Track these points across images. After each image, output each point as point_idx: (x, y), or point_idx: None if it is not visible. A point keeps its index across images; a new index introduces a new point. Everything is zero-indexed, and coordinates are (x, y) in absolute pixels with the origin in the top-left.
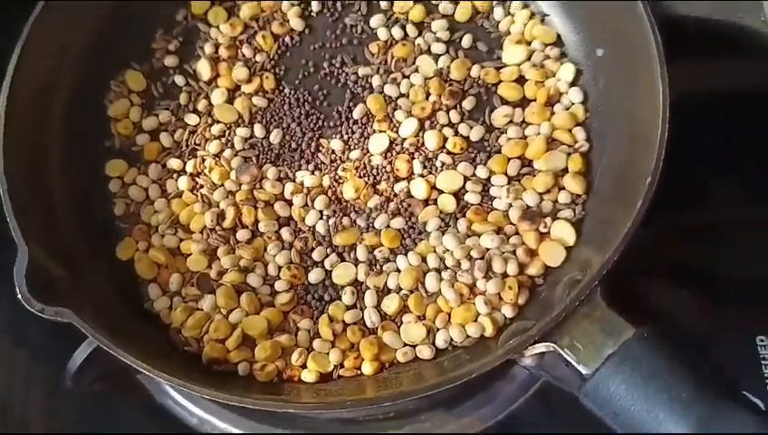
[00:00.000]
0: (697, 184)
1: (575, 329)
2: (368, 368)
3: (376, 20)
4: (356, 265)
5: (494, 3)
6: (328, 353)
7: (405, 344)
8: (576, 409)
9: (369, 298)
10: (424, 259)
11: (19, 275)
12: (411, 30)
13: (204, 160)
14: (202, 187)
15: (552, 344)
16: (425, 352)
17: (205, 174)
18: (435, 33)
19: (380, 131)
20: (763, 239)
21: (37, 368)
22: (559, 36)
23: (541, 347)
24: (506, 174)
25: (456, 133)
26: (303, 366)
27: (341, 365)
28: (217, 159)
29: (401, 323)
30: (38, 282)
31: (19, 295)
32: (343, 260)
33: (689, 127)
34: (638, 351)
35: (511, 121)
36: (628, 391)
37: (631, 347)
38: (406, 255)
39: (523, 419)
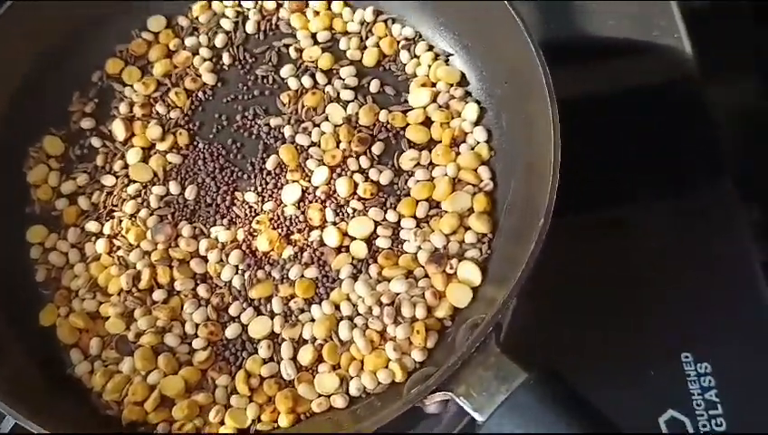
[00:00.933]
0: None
1: (471, 377)
2: (284, 421)
3: (286, 70)
4: (272, 318)
5: (400, 46)
6: (245, 409)
7: (319, 395)
8: None
9: (285, 350)
10: (338, 307)
11: None
12: (321, 78)
13: (121, 222)
14: (119, 248)
15: (449, 393)
16: (338, 402)
17: (122, 235)
18: (343, 80)
19: (293, 181)
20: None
21: None
22: (463, 76)
23: (439, 396)
24: (415, 217)
25: (367, 179)
26: (222, 423)
27: (259, 419)
28: (134, 219)
29: (317, 372)
30: None
31: None
32: (260, 313)
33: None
34: (526, 398)
35: (418, 164)
36: None
37: (520, 394)
38: (320, 304)
39: None
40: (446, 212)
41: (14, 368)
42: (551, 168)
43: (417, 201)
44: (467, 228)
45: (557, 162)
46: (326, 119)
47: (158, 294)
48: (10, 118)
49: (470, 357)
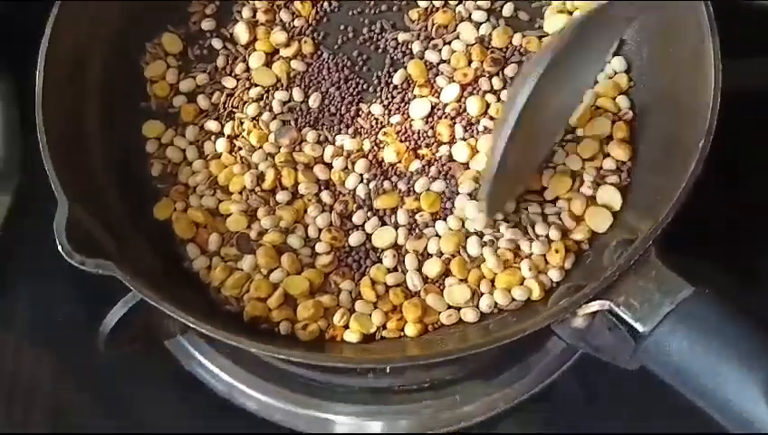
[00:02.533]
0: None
1: (631, 288)
2: (411, 330)
3: None
4: (396, 229)
5: None
6: (370, 315)
7: (449, 307)
8: (611, 384)
9: (410, 262)
10: (464, 223)
11: (59, 228)
12: None
13: (242, 123)
14: (240, 149)
15: (608, 302)
16: (469, 316)
17: (243, 136)
18: (475, 1)
19: (421, 97)
20: None
21: (65, 340)
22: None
23: (595, 305)
24: None
25: (499, 99)
26: (346, 327)
27: (384, 327)
28: (255, 121)
29: (443, 286)
30: (78, 235)
31: (60, 248)
32: (384, 224)
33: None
34: (699, 308)
35: None
36: (690, 348)
37: (691, 305)
38: (446, 219)
39: (557, 393)
40: (583, 137)
41: (136, 256)
42: (709, 110)
43: None
44: (606, 155)
45: (716, 104)
46: (457, 37)
47: (282, 196)
48: (128, 15)
49: (629, 269)
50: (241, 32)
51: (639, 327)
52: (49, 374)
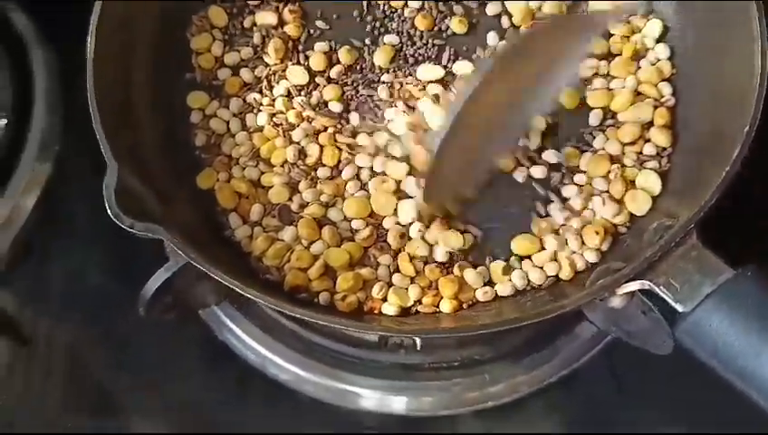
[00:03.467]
0: None
1: (671, 269)
2: (446, 306)
3: None
4: None
5: None
6: (407, 289)
7: (485, 283)
8: (640, 371)
9: None
10: None
11: (109, 190)
12: None
13: (274, 101)
14: (280, 125)
15: (648, 282)
16: (505, 289)
17: (281, 113)
18: None
19: None
20: None
21: (100, 309)
22: None
23: (635, 285)
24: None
25: None
26: (384, 299)
27: (420, 302)
28: (289, 100)
29: None
30: (126, 199)
31: (109, 211)
32: None
33: None
34: (739, 290)
35: (596, 74)
36: (730, 328)
37: (731, 286)
38: None
39: (584, 378)
40: (624, 123)
41: (181, 222)
42: (753, 97)
43: (592, 108)
44: (646, 140)
45: (762, 90)
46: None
47: (323, 172)
48: None
49: (669, 250)
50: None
51: (679, 307)
52: (82, 342)
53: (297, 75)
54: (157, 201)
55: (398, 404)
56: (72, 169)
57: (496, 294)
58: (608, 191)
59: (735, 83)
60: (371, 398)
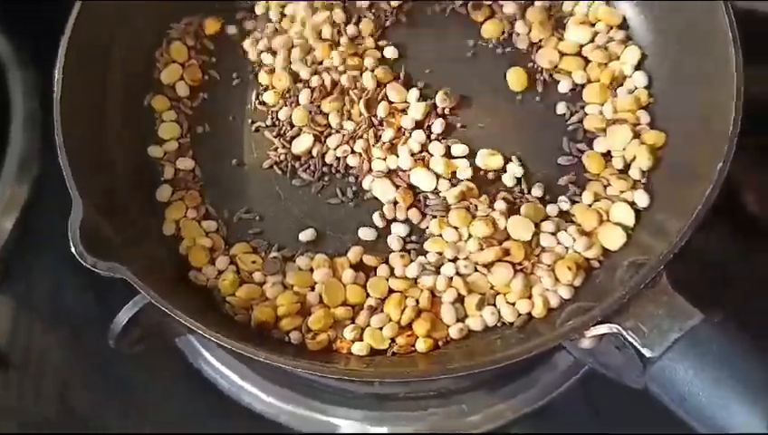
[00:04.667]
0: None
1: (640, 312)
2: (422, 345)
3: None
4: None
5: None
6: (381, 329)
7: (457, 320)
8: (617, 400)
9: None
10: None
11: (73, 229)
12: None
13: None
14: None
15: (616, 326)
16: (476, 324)
17: None
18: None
19: None
20: None
21: (78, 328)
22: (624, 18)
23: (603, 328)
24: None
25: None
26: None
27: (393, 342)
28: None
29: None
30: (91, 237)
31: (72, 249)
32: None
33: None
34: (708, 336)
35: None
36: (697, 376)
37: (700, 333)
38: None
39: (561, 407)
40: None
41: (150, 255)
42: (728, 130)
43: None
44: (621, 170)
45: (737, 126)
46: None
47: None
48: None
49: (639, 292)
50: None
51: (647, 352)
52: (61, 360)
53: None
54: (122, 239)
55: (376, 433)
56: (51, 189)
57: (469, 329)
58: (579, 224)
59: (712, 115)
60: (350, 428)
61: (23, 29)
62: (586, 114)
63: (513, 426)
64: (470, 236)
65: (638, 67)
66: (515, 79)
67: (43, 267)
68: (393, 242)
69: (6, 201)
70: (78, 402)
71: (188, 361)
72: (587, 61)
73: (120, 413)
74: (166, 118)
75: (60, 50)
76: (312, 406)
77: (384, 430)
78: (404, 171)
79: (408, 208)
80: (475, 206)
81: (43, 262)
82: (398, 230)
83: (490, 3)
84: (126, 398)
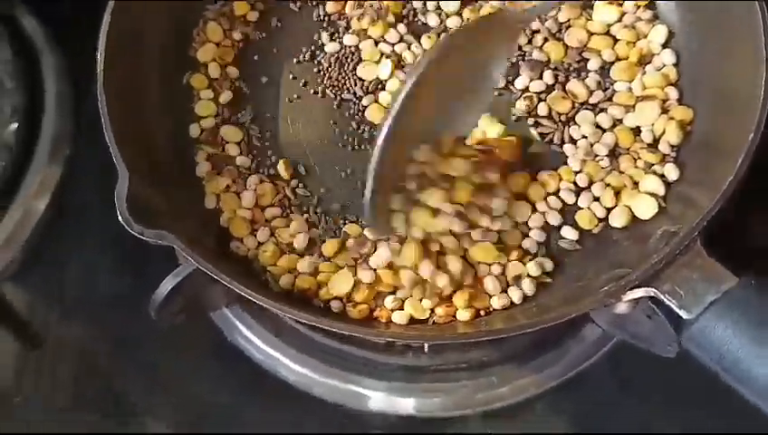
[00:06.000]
0: None
1: (675, 276)
2: (464, 314)
3: None
4: None
5: None
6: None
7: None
8: (645, 372)
9: None
10: None
11: (120, 197)
12: None
13: None
14: None
15: (653, 289)
16: (515, 296)
17: None
18: None
19: None
20: None
21: (110, 310)
22: None
23: (640, 292)
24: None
25: None
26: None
27: (433, 312)
28: None
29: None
30: (137, 206)
31: (120, 217)
32: None
33: None
34: (743, 298)
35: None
36: (735, 336)
37: (735, 295)
38: None
39: (590, 380)
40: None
41: (192, 226)
42: (758, 102)
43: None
44: (651, 144)
45: (765, 105)
46: None
47: None
48: None
49: (674, 258)
50: None
51: (684, 315)
52: (93, 343)
53: None
54: (167, 208)
55: (405, 405)
56: (83, 171)
57: (510, 300)
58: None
59: (740, 88)
60: (379, 399)
61: (54, 13)
62: (615, 91)
63: (541, 398)
64: None
65: (665, 45)
66: None
67: (76, 248)
68: None
69: (39, 183)
70: (109, 382)
71: (220, 338)
72: (615, 40)
73: (149, 392)
74: (203, 96)
75: (102, 28)
76: (345, 377)
77: (412, 401)
78: None
79: None
80: None
81: (76, 243)
82: None
83: None
84: (157, 377)
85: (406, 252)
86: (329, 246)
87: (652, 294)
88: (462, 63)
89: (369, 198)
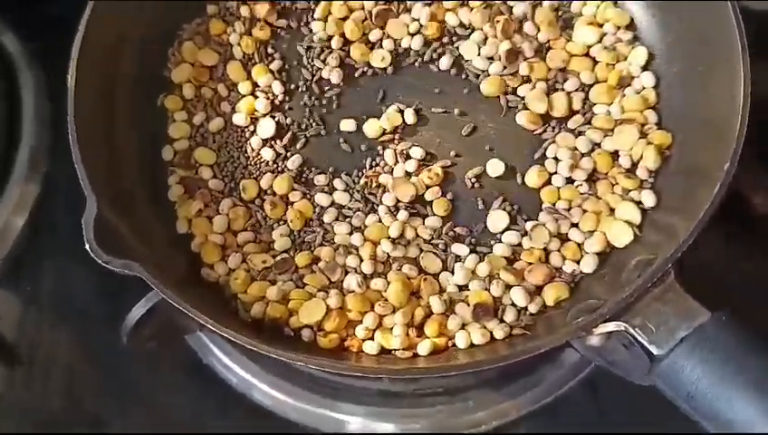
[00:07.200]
0: None
1: (647, 310)
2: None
3: None
4: None
5: None
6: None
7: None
8: (623, 397)
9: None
10: None
11: (87, 226)
12: None
13: None
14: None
15: (624, 324)
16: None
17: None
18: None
19: None
20: None
21: (87, 325)
22: (632, 19)
23: (611, 326)
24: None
25: None
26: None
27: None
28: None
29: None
30: (105, 235)
31: (87, 246)
32: None
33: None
34: (714, 335)
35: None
36: (704, 374)
37: (707, 331)
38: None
39: (567, 405)
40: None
41: (161, 255)
42: (735, 130)
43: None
44: (628, 169)
45: (743, 127)
46: None
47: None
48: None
49: (647, 291)
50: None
51: (654, 350)
52: (69, 358)
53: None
54: (135, 236)
55: (383, 430)
56: (61, 187)
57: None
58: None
59: (718, 114)
60: (357, 424)
61: (33, 30)
62: (594, 114)
63: (519, 424)
64: None
65: (645, 68)
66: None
67: (53, 264)
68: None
69: (17, 199)
70: (85, 400)
71: (197, 358)
72: (595, 61)
73: (125, 411)
74: (177, 118)
75: (73, 48)
76: (320, 402)
77: (391, 426)
78: None
79: None
80: None
81: (53, 259)
82: None
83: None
84: (133, 396)
85: (391, 292)
86: (301, 259)
87: (623, 329)
88: None
89: None
